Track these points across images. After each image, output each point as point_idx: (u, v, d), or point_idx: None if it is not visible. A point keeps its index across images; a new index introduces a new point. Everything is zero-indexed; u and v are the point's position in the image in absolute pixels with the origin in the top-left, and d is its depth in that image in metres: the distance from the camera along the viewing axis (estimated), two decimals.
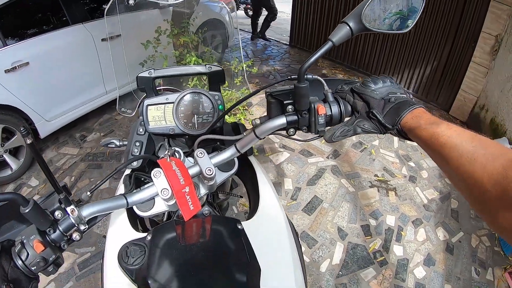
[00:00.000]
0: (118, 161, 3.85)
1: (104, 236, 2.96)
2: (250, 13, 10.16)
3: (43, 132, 3.93)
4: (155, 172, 0.88)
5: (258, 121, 0.95)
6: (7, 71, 3.45)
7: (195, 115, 1.19)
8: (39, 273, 0.78)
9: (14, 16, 3.68)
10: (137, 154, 1.21)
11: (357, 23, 0.80)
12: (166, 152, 1.00)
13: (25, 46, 3.66)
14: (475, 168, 0.56)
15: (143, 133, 1.24)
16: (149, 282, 0.79)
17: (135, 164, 1.17)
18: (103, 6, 4.47)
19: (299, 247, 1.10)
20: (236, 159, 1.07)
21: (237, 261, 0.86)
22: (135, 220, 1.18)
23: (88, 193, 0.89)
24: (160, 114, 1.20)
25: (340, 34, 0.81)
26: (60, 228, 0.79)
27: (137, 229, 1.12)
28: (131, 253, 0.87)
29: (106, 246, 1.05)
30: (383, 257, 2.96)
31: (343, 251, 2.97)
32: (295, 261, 1.01)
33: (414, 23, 0.85)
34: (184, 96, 1.17)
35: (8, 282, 0.71)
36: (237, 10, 9.11)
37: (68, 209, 0.80)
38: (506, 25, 4.23)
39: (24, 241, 0.75)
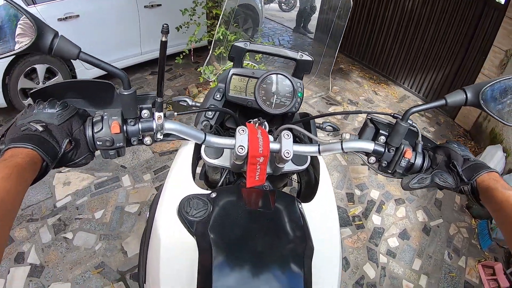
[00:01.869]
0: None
1: (122, 166, 3.26)
2: (284, 7, 10.25)
3: (82, 77, 4.16)
4: (241, 128, 0.89)
5: (348, 136, 0.95)
6: (59, 19, 3.75)
7: (275, 95, 1.18)
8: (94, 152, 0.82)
9: None
10: (210, 117, 1.22)
11: (473, 96, 0.81)
12: (256, 120, 1.03)
13: (78, 1, 3.92)
14: None
15: (219, 99, 1.26)
16: (210, 235, 0.79)
17: (210, 114, 1.22)
18: None
19: (341, 242, 1.07)
20: (309, 158, 1.10)
21: (295, 235, 0.84)
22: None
23: (175, 113, 0.91)
24: (243, 85, 1.21)
25: (455, 98, 0.82)
26: (140, 126, 0.81)
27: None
28: (194, 205, 0.88)
29: (164, 194, 1.02)
30: (361, 222, 3.10)
31: None
32: (340, 253, 0.99)
33: None
34: (269, 74, 1.17)
35: (71, 139, 0.74)
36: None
37: (156, 114, 0.82)
38: None
39: (105, 117, 0.78)
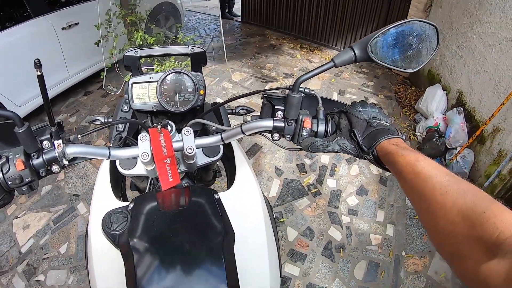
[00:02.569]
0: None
1: (75, 195, 3.19)
2: None
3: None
4: (142, 136, 0.91)
5: (248, 118, 0.96)
6: None
7: (177, 94, 1.18)
8: (14, 191, 0.83)
9: None
10: (121, 130, 1.23)
11: (362, 52, 0.80)
12: (160, 123, 1.03)
13: None
14: (446, 200, 0.57)
15: (127, 110, 1.27)
16: (130, 245, 0.80)
17: (120, 127, 1.23)
18: None
19: (273, 219, 1.11)
20: (221, 148, 1.10)
21: (213, 226, 0.86)
22: (119, 191, 1.20)
23: (79, 136, 0.92)
24: (144, 92, 1.20)
25: (343, 57, 0.81)
26: (44, 157, 0.83)
27: (119, 200, 1.13)
28: (114, 220, 0.89)
29: (91, 214, 1.06)
30: (317, 189, 3.13)
31: (279, 186, 3.14)
32: (268, 229, 1.02)
33: (421, 66, 0.83)
34: (167, 75, 1.16)
35: None
36: None
37: (56, 142, 0.83)
38: None
39: (9, 157, 0.80)
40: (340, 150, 0.84)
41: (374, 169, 3.35)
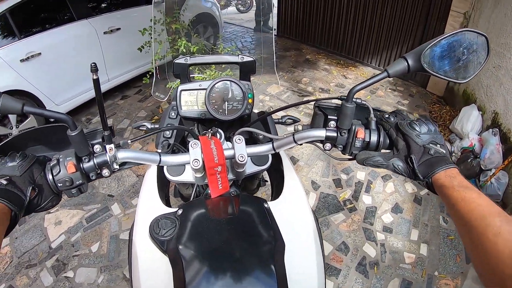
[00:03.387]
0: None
1: (109, 195, 3.23)
2: (242, 8, 10.32)
3: None
4: (193, 142, 0.91)
5: (300, 127, 0.96)
6: (22, 60, 3.72)
7: (226, 102, 1.18)
8: (62, 193, 0.84)
9: (26, 13, 3.92)
10: (169, 136, 1.23)
11: (415, 62, 0.79)
12: (210, 130, 1.03)
13: (37, 39, 3.91)
14: (498, 241, 0.56)
15: (175, 117, 1.27)
16: (180, 252, 0.80)
17: (168, 134, 1.22)
18: (103, 4, 4.74)
19: (319, 231, 1.09)
20: (270, 157, 1.09)
21: (264, 236, 0.85)
22: (163, 197, 1.19)
23: (129, 141, 0.92)
24: (193, 99, 1.22)
25: (397, 68, 0.80)
26: (95, 161, 0.83)
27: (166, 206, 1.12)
28: (162, 225, 0.89)
29: (137, 218, 1.06)
30: (353, 205, 3.11)
31: (316, 199, 3.13)
32: (316, 241, 1.01)
33: (473, 76, 0.82)
34: (216, 83, 1.17)
35: (34, 186, 0.77)
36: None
37: (108, 146, 0.83)
38: (472, 3, 4.32)
39: (60, 160, 0.81)
40: (394, 171, 0.85)
41: (409, 188, 3.32)
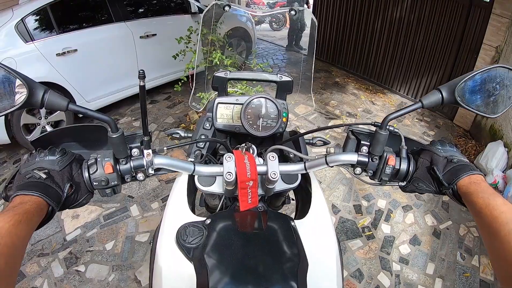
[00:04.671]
0: None
1: (129, 196, 3.27)
2: (275, 26, 10.39)
3: None
4: (227, 155, 0.92)
5: (332, 150, 0.97)
6: (58, 54, 3.84)
7: (261, 118, 1.19)
8: (95, 191, 0.86)
9: (67, 10, 4.06)
10: (202, 147, 1.23)
11: (449, 94, 0.81)
12: (243, 145, 1.05)
13: (75, 36, 4.04)
14: None
15: (209, 128, 1.27)
16: (205, 261, 0.80)
17: (201, 144, 1.22)
18: (141, 9, 4.84)
19: (341, 256, 1.09)
20: (299, 176, 1.09)
21: (288, 253, 0.84)
22: (191, 206, 1.18)
23: (165, 148, 0.95)
24: (229, 113, 1.23)
25: (431, 99, 0.82)
26: (132, 164, 0.85)
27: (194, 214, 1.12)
28: (190, 233, 0.90)
29: (164, 223, 1.05)
30: (371, 232, 3.07)
31: (335, 223, 3.10)
32: (338, 265, 0.99)
33: (503, 111, 0.83)
34: (253, 99, 1.18)
35: (72, 183, 0.79)
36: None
37: (146, 151, 0.85)
38: (505, 37, 4.29)
39: (98, 159, 0.83)
40: (416, 189, 0.89)
41: (429, 221, 3.26)
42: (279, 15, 10.34)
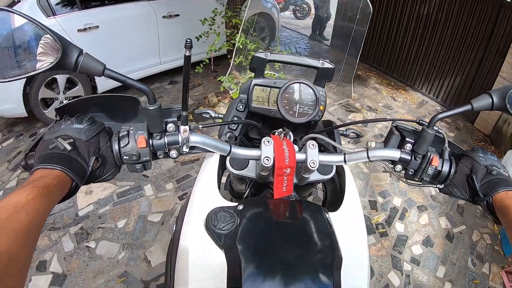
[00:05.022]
0: None
1: (144, 176, 3.26)
2: (299, 15, 10.28)
3: (101, 87, 4.25)
4: (266, 140, 0.88)
5: (373, 144, 0.93)
6: (79, 30, 3.82)
7: (298, 104, 1.15)
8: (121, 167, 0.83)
9: None
10: (234, 129, 1.20)
11: (500, 100, 0.79)
12: (281, 130, 1.01)
13: (97, 12, 4.01)
14: None
15: (242, 110, 1.23)
16: (238, 248, 0.78)
17: (233, 126, 1.20)
18: None
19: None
20: (334, 168, 1.07)
21: (323, 246, 0.82)
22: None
23: (200, 126, 0.90)
24: (265, 96, 1.19)
25: (480, 102, 0.81)
26: (166, 140, 0.81)
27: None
28: (221, 218, 0.87)
29: (191, 205, 1.03)
30: (385, 230, 3.05)
31: None
32: (368, 263, 0.98)
33: None
34: (292, 84, 1.14)
35: (98, 156, 0.75)
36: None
37: (183, 127, 0.81)
38: None
39: (131, 132, 0.78)
40: (450, 194, 0.88)
41: (443, 223, 3.23)
42: (303, 4, 10.24)
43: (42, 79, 3.69)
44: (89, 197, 3.05)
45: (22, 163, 0.73)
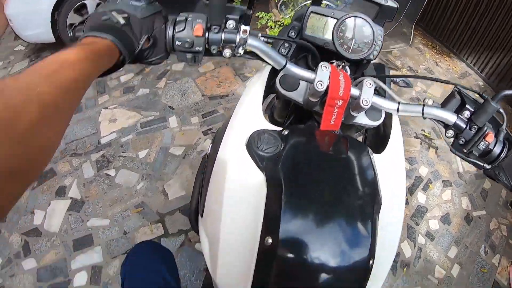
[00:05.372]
0: None
1: (170, 107, 3.23)
2: None
3: None
4: (324, 64, 0.85)
5: (430, 102, 0.90)
6: None
7: (353, 40, 1.08)
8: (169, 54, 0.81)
9: None
10: (285, 53, 1.14)
11: None
12: (339, 62, 0.98)
13: None
14: None
15: (294, 37, 1.17)
16: (281, 173, 0.77)
17: (284, 50, 1.14)
18: None
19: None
20: (383, 115, 1.02)
21: (366, 187, 0.81)
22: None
23: (260, 34, 0.87)
24: (320, 25, 1.11)
25: None
26: (223, 36, 0.78)
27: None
28: (264, 140, 0.87)
29: (233, 125, 1.01)
30: (406, 198, 2.99)
31: None
32: (403, 212, 0.97)
33: None
34: (350, 17, 1.07)
35: (150, 36, 0.74)
36: None
37: (243, 27, 0.78)
38: None
39: (189, 19, 0.76)
40: (494, 177, 0.86)
41: (464, 203, 3.16)
42: None
43: (71, 4, 3.62)
44: (112, 125, 3.04)
45: (69, 34, 0.72)
